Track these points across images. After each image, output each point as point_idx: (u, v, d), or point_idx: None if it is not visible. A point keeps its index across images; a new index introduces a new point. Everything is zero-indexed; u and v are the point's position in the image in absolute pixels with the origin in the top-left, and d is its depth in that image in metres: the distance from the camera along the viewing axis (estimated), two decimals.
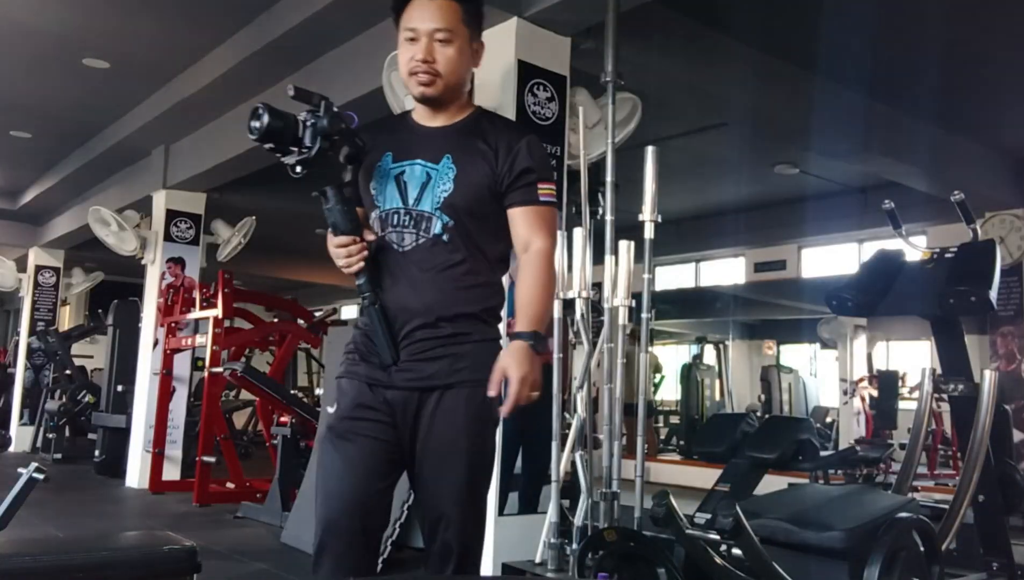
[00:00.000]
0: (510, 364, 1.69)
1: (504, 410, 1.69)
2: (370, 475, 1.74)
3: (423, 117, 1.89)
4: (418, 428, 1.77)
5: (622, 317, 3.09)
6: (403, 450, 1.78)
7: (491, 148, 1.81)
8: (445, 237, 1.78)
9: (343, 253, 1.79)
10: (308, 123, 1.72)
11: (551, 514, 3.14)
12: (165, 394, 6.74)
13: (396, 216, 1.81)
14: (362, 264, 1.78)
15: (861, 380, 7.62)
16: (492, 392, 1.69)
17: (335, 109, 1.74)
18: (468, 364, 1.76)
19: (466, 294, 1.79)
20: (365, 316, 1.82)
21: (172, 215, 7.15)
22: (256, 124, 1.70)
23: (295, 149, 1.73)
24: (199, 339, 6.44)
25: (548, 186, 1.85)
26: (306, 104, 1.74)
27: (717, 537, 2.48)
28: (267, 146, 1.73)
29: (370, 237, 1.81)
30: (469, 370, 1.76)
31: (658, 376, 9.69)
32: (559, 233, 3.23)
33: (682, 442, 9.08)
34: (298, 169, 1.74)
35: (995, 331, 6.92)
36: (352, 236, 1.77)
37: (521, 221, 1.83)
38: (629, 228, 3.10)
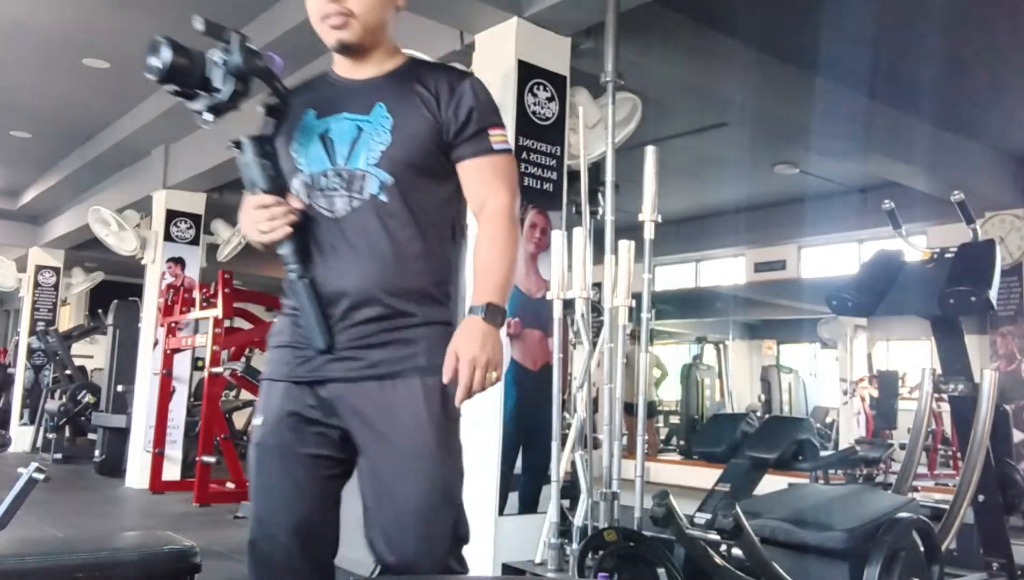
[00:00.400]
0: (459, 345, 1.46)
1: (456, 399, 1.46)
2: (307, 499, 1.52)
3: (346, 70, 1.64)
4: (366, 428, 1.51)
5: (622, 317, 3.09)
6: (346, 457, 1.55)
7: (431, 92, 1.57)
8: (384, 197, 1.53)
9: (264, 216, 1.51)
10: (219, 61, 1.47)
11: (551, 514, 3.14)
12: (165, 394, 6.74)
13: (324, 178, 1.55)
14: (287, 229, 1.51)
15: (861, 380, 7.61)
16: (446, 378, 1.46)
17: (251, 46, 1.49)
18: (421, 349, 1.51)
19: (412, 266, 1.54)
20: (291, 295, 1.56)
21: (172, 215, 7.15)
22: (155, 61, 1.43)
23: (203, 92, 1.47)
24: (199, 339, 6.44)
25: (500, 132, 1.61)
26: (217, 40, 1.49)
27: (717, 537, 2.48)
28: (170, 88, 1.46)
29: (296, 203, 1.55)
30: (424, 356, 1.51)
31: (658, 373, 9.68)
32: (560, 233, 3.25)
33: (682, 442, 9.08)
34: (208, 117, 1.49)
35: (995, 331, 6.92)
36: (276, 197, 1.52)
37: (474, 175, 1.58)
38: (629, 228, 3.10)
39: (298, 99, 1.63)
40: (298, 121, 1.60)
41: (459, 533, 1.55)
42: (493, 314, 1.49)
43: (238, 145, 1.53)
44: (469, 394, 1.45)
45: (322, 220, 1.54)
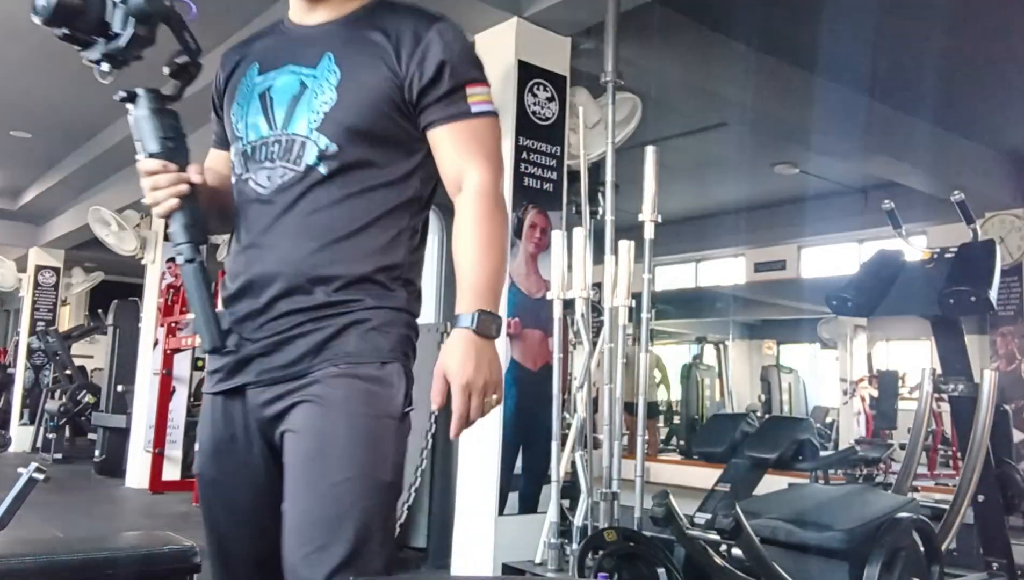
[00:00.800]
0: (450, 366, 1.19)
1: (452, 432, 1.19)
2: (260, 535, 1.27)
3: (299, 14, 1.38)
4: (286, 436, 1.24)
5: (622, 317, 3.09)
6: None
7: (390, 40, 1.28)
8: (323, 169, 1.26)
9: (149, 184, 1.27)
10: (118, 0, 1.24)
11: (551, 514, 3.14)
12: (165, 394, 6.74)
13: (263, 148, 1.30)
14: (173, 202, 1.26)
15: (861, 380, 7.61)
16: (435, 405, 1.19)
17: None
18: (353, 335, 1.23)
19: (351, 251, 1.26)
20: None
21: None
22: (41, 0, 1.20)
23: (101, 38, 1.25)
24: (199, 339, 6.44)
25: (480, 89, 1.31)
26: None
27: (717, 537, 2.48)
28: (60, 32, 1.24)
29: (195, 174, 1.29)
30: (355, 342, 1.23)
31: (658, 375, 9.69)
32: (560, 233, 3.25)
33: (682, 442, 9.08)
34: (105, 68, 1.27)
35: (995, 331, 6.92)
36: (162, 161, 1.27)
37: (448, 146, 1.28)
38: (629, 228, 3.10)
39: (247, 51, 1.40)
40: (241, 78, 1.36)
41: (365, 563, 1.17)
42: (486, 324, 1.21)
43: (131, 97, 1.31)
44: (467, 425, 1.21)
45: (254, 196, 1.31)
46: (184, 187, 1.27)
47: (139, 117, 1.30)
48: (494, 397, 1.21)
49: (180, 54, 1.32)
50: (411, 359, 1.29)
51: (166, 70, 1.31)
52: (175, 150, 1.29)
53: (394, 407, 1.23)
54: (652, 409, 8.59)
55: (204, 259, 1.29)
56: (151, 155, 1.28)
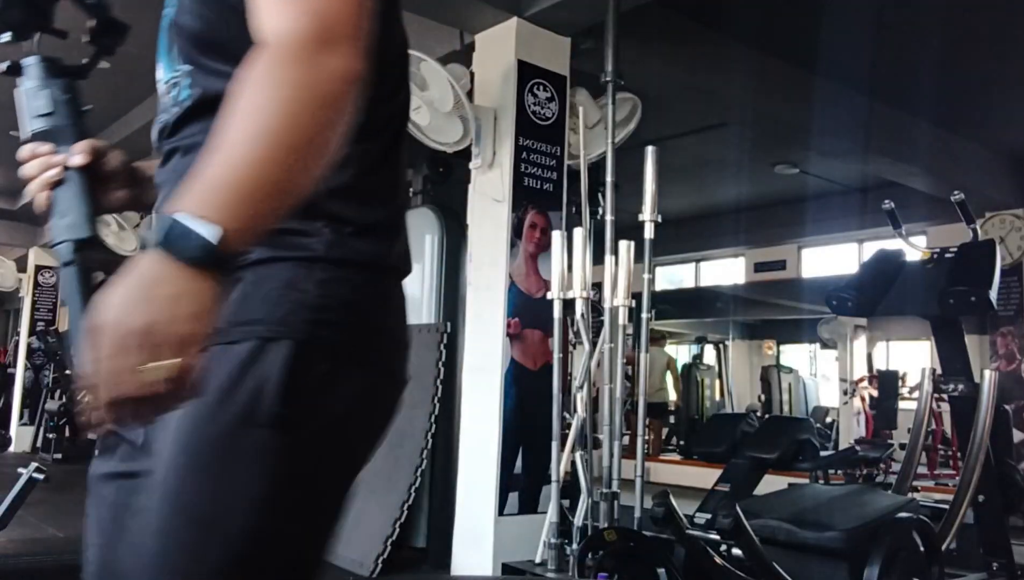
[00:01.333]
0: (102, 298, 0.69)
1: (84, 419, 0.75)
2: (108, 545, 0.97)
3: None
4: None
5: (622, 317, 3.10)
6: None
7: None
8: (188, 102, 0.91)
9: (23, 172, 0.97)
10: None
11: (551, 514, 3.15)
12: None
13: (163, 99, 0.97)
14: (42, 195, 0.96)
15: (861, 380, 7.61)
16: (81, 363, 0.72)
17: None
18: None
19: None
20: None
21: None
22: None
23: None
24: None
25: None
26: None
27: (717, 537, 2.48)
28: None
29: (76, 156, 0.94)
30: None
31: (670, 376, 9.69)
32: (560, 233, 3.25)
33: (682, 442, 9.09)
34: (5, 37, 1.00)
35: (995, 331, 6.92)
36: (32, 145, 0.96)
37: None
38: (629, 228, 3.11)
39: None
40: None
41: None
42: (188, 239, 0.67)
43: (16, 68, 0.99)
44: (107, 400, 0.73)
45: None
46: (51, 173, 0.94)
47: (22, 92, 0.98)
48: (163, 364, 0.67)
49: (90, 20, 1.05)
50: (327, 328, 0.81)
51: (84, 39, 1.05)
52: (56, 129, 0.98)
53: (248, 404, 0.77)
54: (661, 410, 8.50)
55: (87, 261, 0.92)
56: (32, 137, 0.98)
